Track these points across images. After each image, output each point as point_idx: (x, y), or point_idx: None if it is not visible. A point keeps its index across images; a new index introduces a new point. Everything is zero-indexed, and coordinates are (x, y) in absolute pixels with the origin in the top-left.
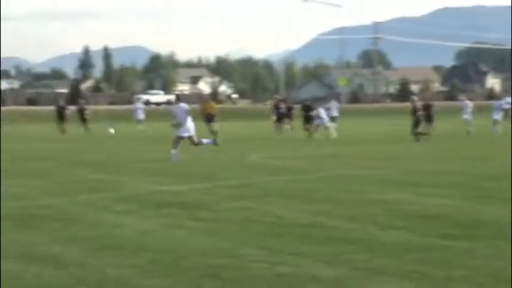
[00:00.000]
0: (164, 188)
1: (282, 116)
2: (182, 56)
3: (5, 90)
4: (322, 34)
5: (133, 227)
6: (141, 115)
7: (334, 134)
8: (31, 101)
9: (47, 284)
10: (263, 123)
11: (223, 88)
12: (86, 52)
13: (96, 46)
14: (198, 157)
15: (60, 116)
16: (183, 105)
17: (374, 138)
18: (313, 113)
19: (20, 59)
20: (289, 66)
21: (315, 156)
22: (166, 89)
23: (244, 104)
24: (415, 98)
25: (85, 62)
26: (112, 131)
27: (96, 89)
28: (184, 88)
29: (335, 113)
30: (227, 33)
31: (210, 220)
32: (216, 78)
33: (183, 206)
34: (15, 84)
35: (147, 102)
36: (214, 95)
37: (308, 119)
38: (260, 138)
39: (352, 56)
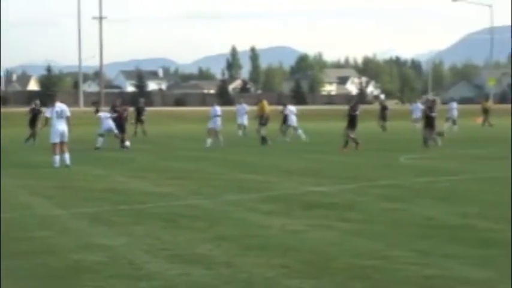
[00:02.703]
0: (313, 189)
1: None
2: (329, 56)
3: (153, 91)
4: (471, 34)
5: (282, 228)
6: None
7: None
8: (179, 102)
9: (194, 283)
10: (407, 123)
11: (371, 88)
12: (234, 53)
13: (243, 47)
14: (346, 159)
15: None
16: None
17: None
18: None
19: (168, 60)
20: (437, 66)
21: (461, 157)
22: (314, 90)
23: (390, 104)
24: None
25: (233, 62)
26: None
27: (243, 89)
28: (331, 89)
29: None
30: (374, 33)
31: (360, 221)
32: (364, 79)
33: (332, 207)
34: (163, 85)
35: None
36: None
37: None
38: (406, 139)
39: (502, 56)
